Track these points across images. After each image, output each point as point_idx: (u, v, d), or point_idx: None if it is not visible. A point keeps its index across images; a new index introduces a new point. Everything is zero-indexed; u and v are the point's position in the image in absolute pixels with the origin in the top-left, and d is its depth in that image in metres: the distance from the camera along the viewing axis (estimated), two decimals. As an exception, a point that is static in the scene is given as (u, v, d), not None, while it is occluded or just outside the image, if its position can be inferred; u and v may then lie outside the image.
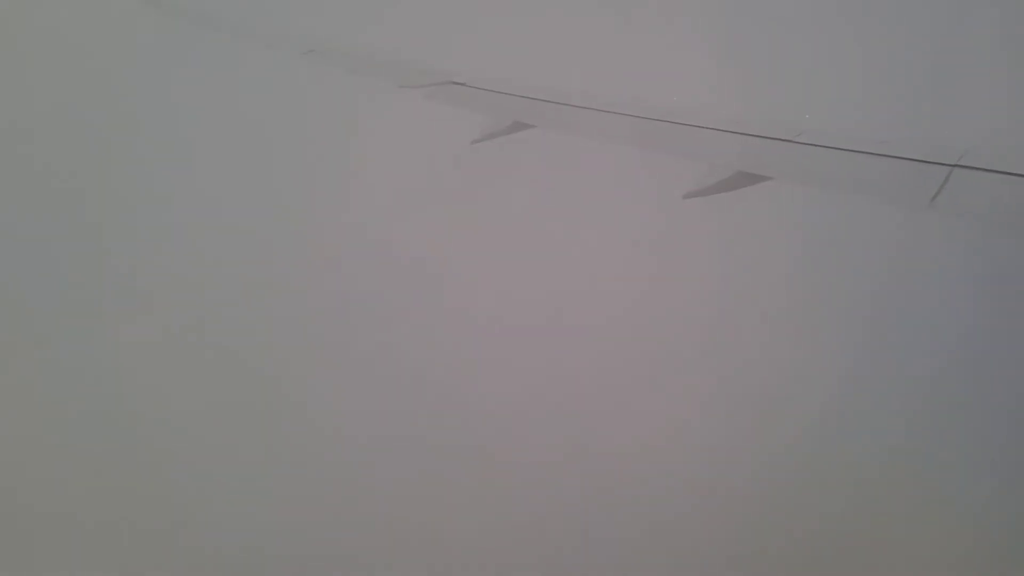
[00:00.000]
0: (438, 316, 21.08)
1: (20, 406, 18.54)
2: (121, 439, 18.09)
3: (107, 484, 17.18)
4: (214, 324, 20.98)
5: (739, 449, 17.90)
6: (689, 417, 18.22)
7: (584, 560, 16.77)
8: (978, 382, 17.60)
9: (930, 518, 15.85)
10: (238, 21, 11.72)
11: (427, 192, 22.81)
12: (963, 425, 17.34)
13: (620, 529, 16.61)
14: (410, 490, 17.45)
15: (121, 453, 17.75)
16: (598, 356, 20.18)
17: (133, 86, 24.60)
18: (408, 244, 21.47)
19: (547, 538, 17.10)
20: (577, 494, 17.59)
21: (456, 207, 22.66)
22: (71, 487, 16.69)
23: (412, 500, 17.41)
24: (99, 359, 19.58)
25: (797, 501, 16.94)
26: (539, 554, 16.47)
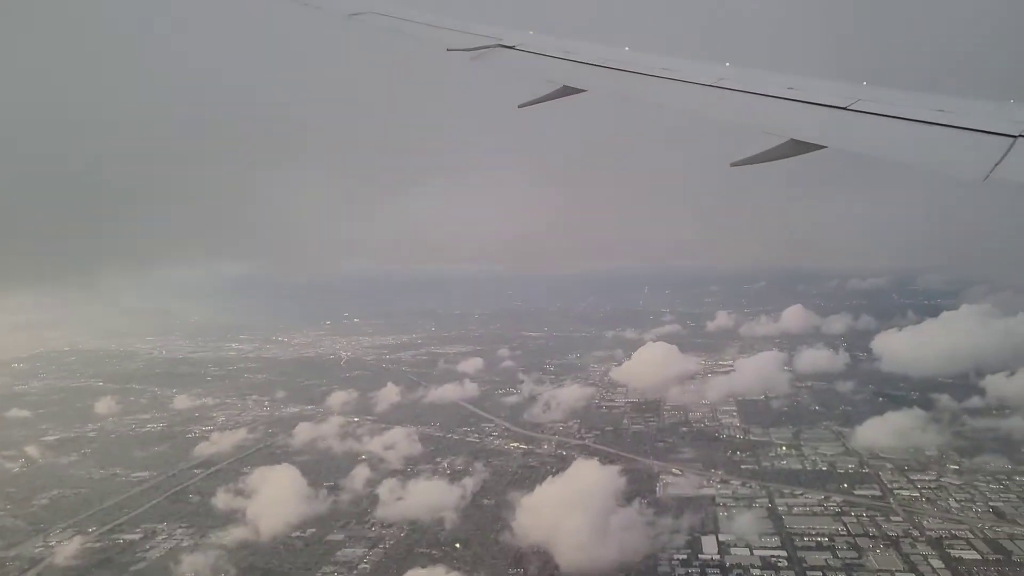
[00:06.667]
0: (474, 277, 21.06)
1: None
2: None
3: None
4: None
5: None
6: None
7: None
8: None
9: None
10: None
11: (474, 154, 22.70)
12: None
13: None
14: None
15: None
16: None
17: (179, 46, 24.78)
18: (451, 208, 21.49)
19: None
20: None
21: (502, 170, 22.47)
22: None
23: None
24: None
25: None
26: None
